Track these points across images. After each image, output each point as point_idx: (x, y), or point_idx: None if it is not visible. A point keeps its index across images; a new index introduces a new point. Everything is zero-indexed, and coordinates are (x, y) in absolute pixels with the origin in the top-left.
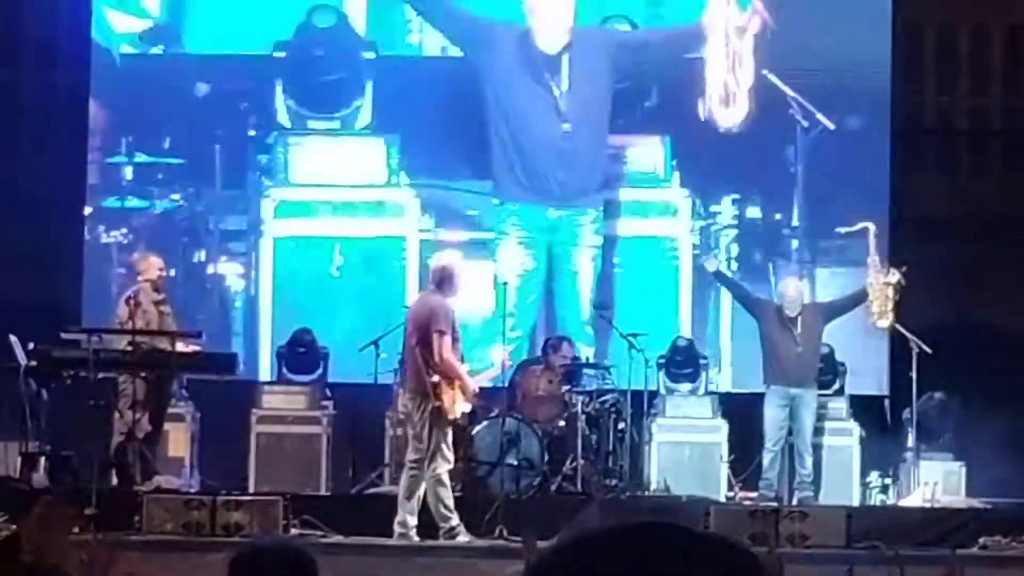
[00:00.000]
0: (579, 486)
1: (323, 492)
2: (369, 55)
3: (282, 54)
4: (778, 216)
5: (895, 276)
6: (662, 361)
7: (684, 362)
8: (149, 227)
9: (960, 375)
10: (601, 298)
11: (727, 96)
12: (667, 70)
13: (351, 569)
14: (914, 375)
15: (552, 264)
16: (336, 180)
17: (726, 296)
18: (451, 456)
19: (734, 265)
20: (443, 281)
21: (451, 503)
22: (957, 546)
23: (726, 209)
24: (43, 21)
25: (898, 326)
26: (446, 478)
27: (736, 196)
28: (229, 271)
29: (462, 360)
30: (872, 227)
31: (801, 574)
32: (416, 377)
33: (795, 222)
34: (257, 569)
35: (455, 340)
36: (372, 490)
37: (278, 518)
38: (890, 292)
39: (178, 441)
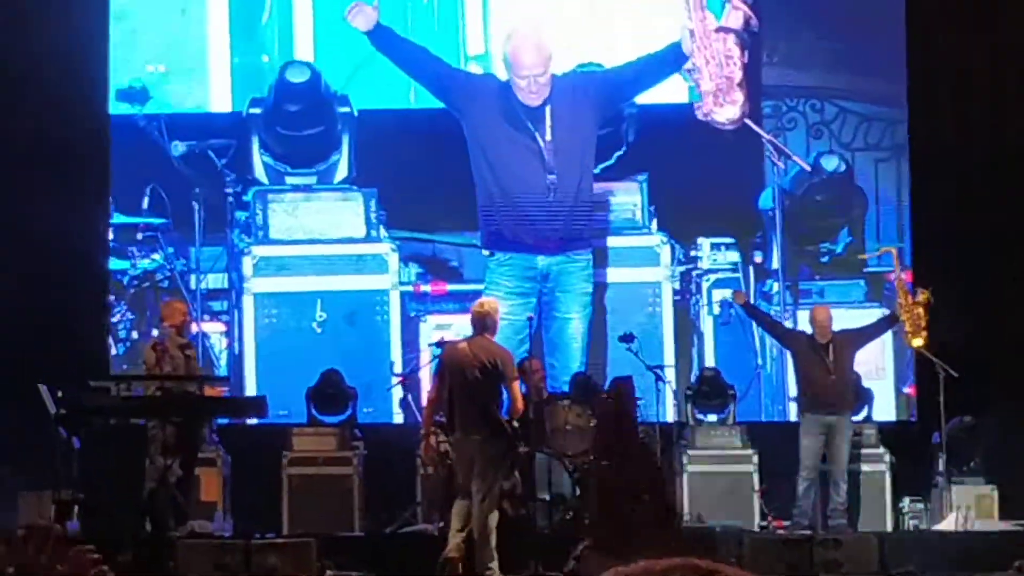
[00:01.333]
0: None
1: (356, 532)
2: (345, 109)
3: (257, 110)
4: (758, 259)
5: (924, 295)
6: (690, 392)
7: (712, 392)
8: (130, 288)
9: (988, 397)
10: (625, 330)
11: (721, 94)
12: (643, 115)
13: None
14: (941, 399)
15: (542, 312)
16: (315, 235)
17: (709, 342)
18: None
19: (716, 309)
20: (493, 325)
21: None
22: (992, 570)
23: (705, 253)
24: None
25: (925, 351)
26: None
27: (715, 240)
28: (212, 330)
29: None
30: (895, 250)
31: None
32: (480, 418)
33: (775, 264)
34: None
35: None
36: (405, 529)
37: (312, 560)
38: (921, 311)
39: (210, 485)
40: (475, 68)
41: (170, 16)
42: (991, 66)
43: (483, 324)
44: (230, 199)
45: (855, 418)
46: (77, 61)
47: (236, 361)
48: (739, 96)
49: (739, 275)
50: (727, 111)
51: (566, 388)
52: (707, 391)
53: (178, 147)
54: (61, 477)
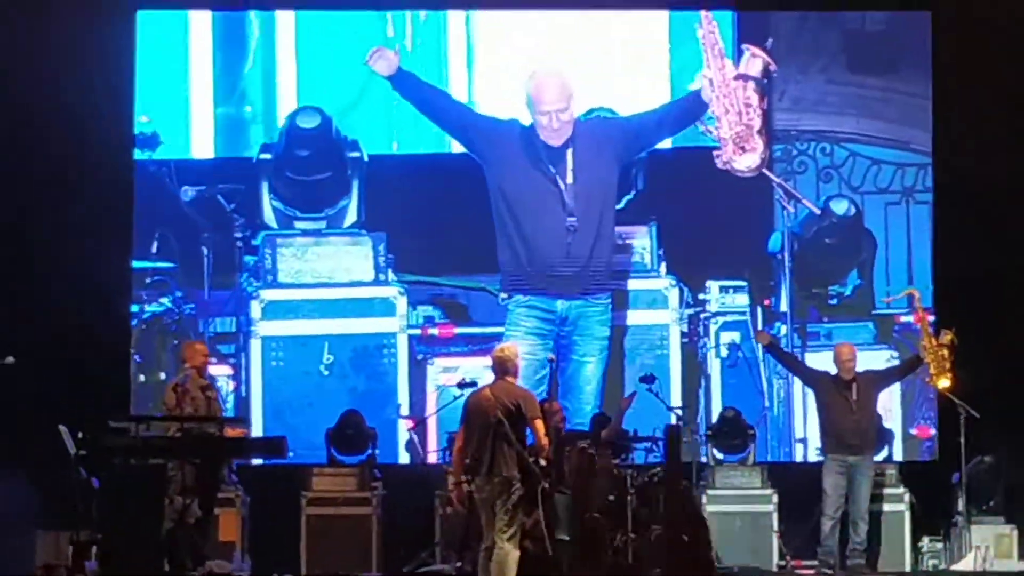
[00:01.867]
0: (631, 559)
1: (374, 573)
2: (355, 154)
3: (267, 155)
4: (767, 302)
5: (947, 336)
6: (710, 433)
7: (732, 433)
8: (139, 331)
9: (1008, 438)
10: (647, 371)
11: (741, 141)
12: (652, 159)
13: None
14: (962, 439)
15: (559, 354)
16: (324, 279)
17: (716, 385)
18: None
19: (723, 352)
20: (515, 369)
21: None
22: None
23: (714, 296)
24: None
25: (944, 391)
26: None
27: (724, 283)
28: (219, 372)
29: None
30: (917, 293)
31: None
32: (504, 460)
33: (783, 307)
34: None
35: None
36: (423, 569)
37: None
38: (946, 353)
39: (229, 526)
40: None
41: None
42: (1015, 108)
43: (504, 368)
44: (239, 243)
45: (876, 458)
46: (103, 107)
47: (243, 404)
48: (759, 143)
49: (747, 318)
50: (747, 159)
51: (584, 428)
52: (727, 431)
53: (188, 192)
54: (80, 517)
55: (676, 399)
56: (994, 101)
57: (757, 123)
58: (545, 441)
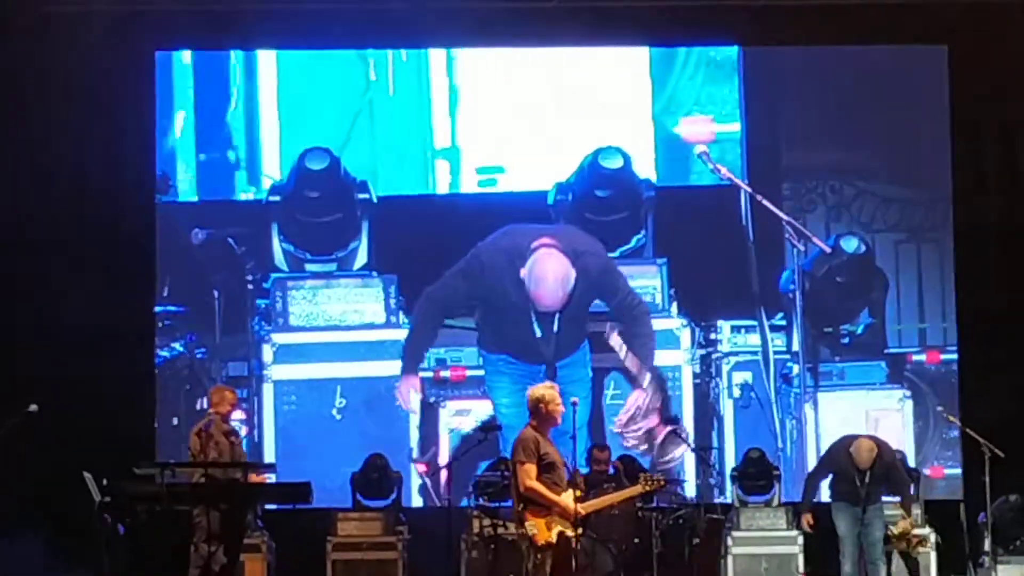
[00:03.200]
0: None
1: None
2: (364, 195)
3: (277, 197)
4: (779, 342)
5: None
6: (735, 473)
7: (757, 474)
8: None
9: None
10: (672, 413)
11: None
12: (662, 198)
13: None
14: (987, 479)
15: None
16: (335, 322)
17: (729, 425)
18: None
19: (736, 392)
20: (534, 412)
21: None
22: None
23: (725, 336)
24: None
25: (968, 430)
26: None
27: (735, 323)
28: (233, 417)
29: (566, 485)
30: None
31: None
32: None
33: (795, 346)
34: None
35: (550, 466)
36: None
37: None
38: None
39: (254, 572)
40: (442, 163)
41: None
42: None
43: (530, 410)
44: (250, 286)
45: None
46: (124, 152)
47: (256, 448)
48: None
49: (759, 358)
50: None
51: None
52: (753, 472)
53: (198, 235)
54: (105, 564)
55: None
56: (1013, 135)
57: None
58: (522, 488)
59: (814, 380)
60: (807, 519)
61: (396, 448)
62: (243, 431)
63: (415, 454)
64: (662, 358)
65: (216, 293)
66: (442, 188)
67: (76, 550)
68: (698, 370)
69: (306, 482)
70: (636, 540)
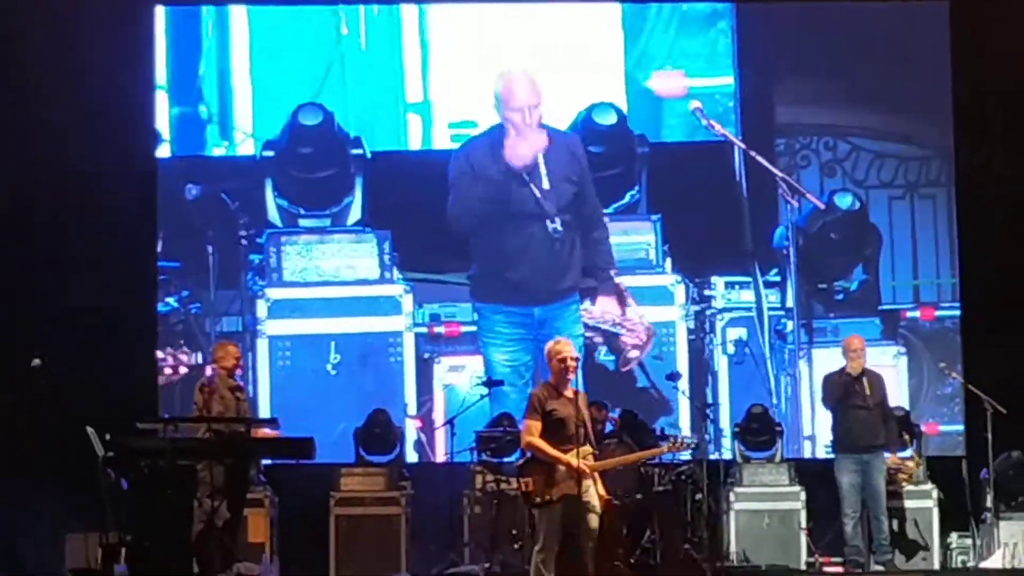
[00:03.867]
0: (659, 559)
1: (404, 574)
2: (357, 151)
3: (270, 153)
4: (773, 298)
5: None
6: (737, 430)
7: (760, 430)
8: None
9: None
10: (673, 369)
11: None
12: (656, 154)
13: None
14: (989, 435)
15: (538, 356)
16: (329, 277)
17: (723, 381)
18: (550, 541)
19: (731, 349)
20: (549, 366)
21: None
22: None
23: (719, 292)
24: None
25: (971, 387)
26: (540, 562)
27: (729, 279)
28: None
29: (571, 442)
30: None
31: None
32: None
33: (789, 303)
34: None
35: (558, 423)
36: (452, 570)
37: None
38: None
39: (258, 527)
40: (413, 116)
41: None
42: None
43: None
44: (244, 242)
45: (903, 454)
46: (123, 107)
47: (251, 404)
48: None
49: (753, 314)
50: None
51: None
52: (756, 428)
53: (191, 190)
54: (109, 519)
55: (684, 397)
56: (1017, 93)
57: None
58: (523, 443)
59: (808, 336)
60: None
61: (391, 404)
62: None
63: (410, 410)
64: (656, 314)
65: (210, 248)
66: (414, 143)
67: (79, 505)
68: (692, 326)
69: (309, 437)
70: (638, 496)
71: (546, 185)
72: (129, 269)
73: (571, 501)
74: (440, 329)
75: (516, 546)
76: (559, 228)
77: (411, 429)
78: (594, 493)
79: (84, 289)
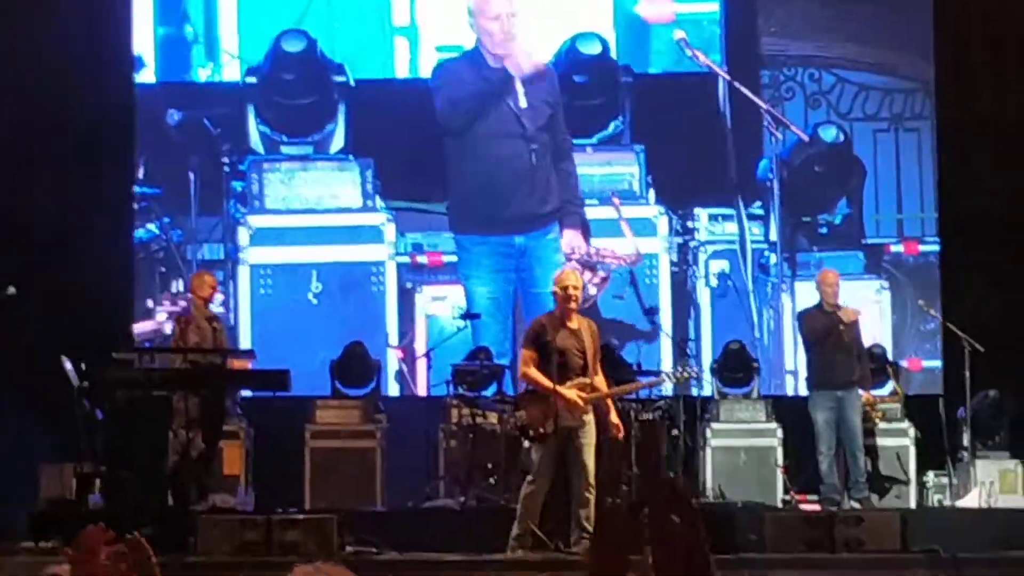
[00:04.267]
0: (635, 495)
1: (378, 507)
2: (341, 78)
3: (253, 79)
4: (756, 231)
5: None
6: (715, 366)
7: (736, 366)
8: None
9: (1014, 372)
10: (650, 303)
11: None
12: (640, 84)
13: None
14: (967, 373)
15: (520, 287)
16: (311, 205)
17: (706, 314)
18: (541, 477)
19: (713, 281)
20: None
21: (520, 518)
22: (1015, 547)
23: (703, 225)
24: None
25: (950, 325)
26: (526, 495)
27: (713, 211)
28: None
29: (571, 374)
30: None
31: None
32: None
33: (773, 236)
34: None
35: (556, 353)
36: (427, 504)
37: (332, 536)
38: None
39: (233, 459)
40: (401, 40)
41: None
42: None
43: None
44: (226, 169)
45: (881, 392)
46: (100, 31)
47: (232, 332)
48: None
49: (736, 247)
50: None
51: None
52: (732, 365)
53: (173, 116)
54: (84, 450)
55: (667, 330)
56: (1001, 28)
57: None
58: (520, 373)
59: (791, 270)
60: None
61: (373, 334)
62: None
63: (392, 340)
64: (639, 246)
65: (192, 175)
66: (401, 67)
67: (54, 436)
68: (675, 259)
69: (285, 370)
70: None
71: (523, 104)
72: (105, 198)
73: (565, 435)
74: (423, 259)
75: (492, 480)
76: (537, 147)
77: (393, 360)
78: (591, 431)
79: (58, 217)
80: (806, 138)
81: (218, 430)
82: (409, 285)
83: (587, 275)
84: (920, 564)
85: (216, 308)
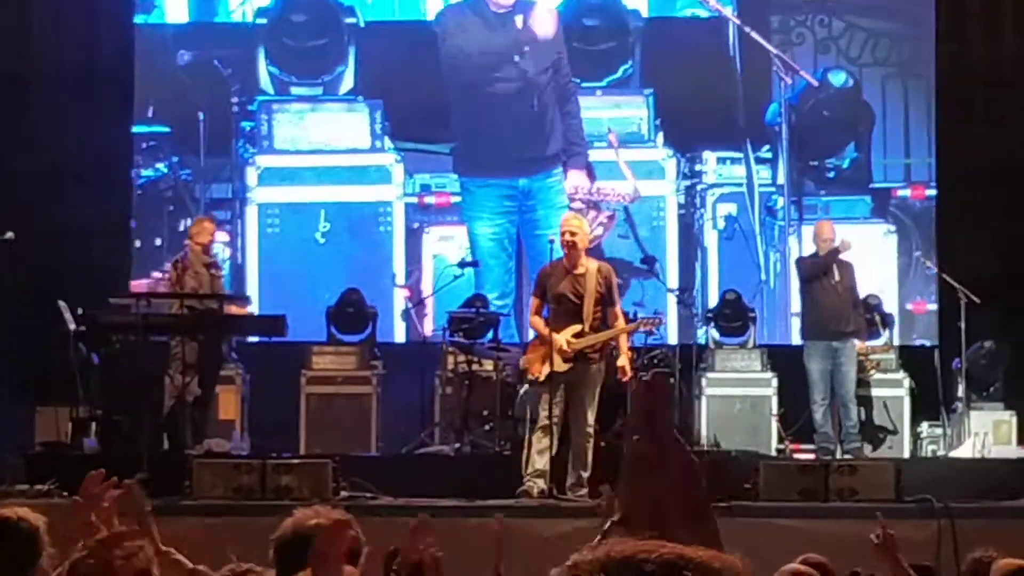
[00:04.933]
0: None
1: (373, 453)
2: (351, 20)
3: (263, 20)
4: (764, 174)
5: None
6: (710, 315)
7: (732, 315)
8: (135, 197)
9: (1009, 324)
10: (648, 252)
11: None
12: (650, 28)
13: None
14: (963, 324)
15: (523, 230)
16: (320, 146)
17: (713, 257)
18: (540, 414)
19: (721, 224)
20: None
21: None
22: (1008, 497)
23: (710, 168)
24: None
25: (945, 276)
26: (534, 438)
27: (721, 154)
28: (216, 239)
29: (570, 320)
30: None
31: (852, 529)
32: None
33: (780, 180)
34: None
35: (556, 299)
36: (422, 450)
37: (327, 481)
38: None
39: (228, 404)
40: None
41: None
42: None
43: None
44: (235, 109)
45: (876, 342)
46: None
47: (239, 271)
48: None
49: (744, 190)
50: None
51: None
52: (728, 314)
53: (184, 56)
54: (79, 394)
55: (673, 271)
56: None
57: None
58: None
59: (799, 213)
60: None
61: (379, 273)
62: (226, 252)
63: (399, 279)
64: (648, 188)
65: (201, 115)
66: (411, 9)
67: (50, 380)
68: (683, 201)
69: (281, 315)
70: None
71: (526, 47)
72: (107, 140)
73: (558, 380)
74: (430, 199)
75: (487, 427)
76: (540, 90)
77: (399, 300)
78: (589, 376)
79: (57, 158)
80: (815, 83)
81: (214, 375)
82: (416, 225)
83: (591, 214)
84: (913, 513)
85: (223, 246)
